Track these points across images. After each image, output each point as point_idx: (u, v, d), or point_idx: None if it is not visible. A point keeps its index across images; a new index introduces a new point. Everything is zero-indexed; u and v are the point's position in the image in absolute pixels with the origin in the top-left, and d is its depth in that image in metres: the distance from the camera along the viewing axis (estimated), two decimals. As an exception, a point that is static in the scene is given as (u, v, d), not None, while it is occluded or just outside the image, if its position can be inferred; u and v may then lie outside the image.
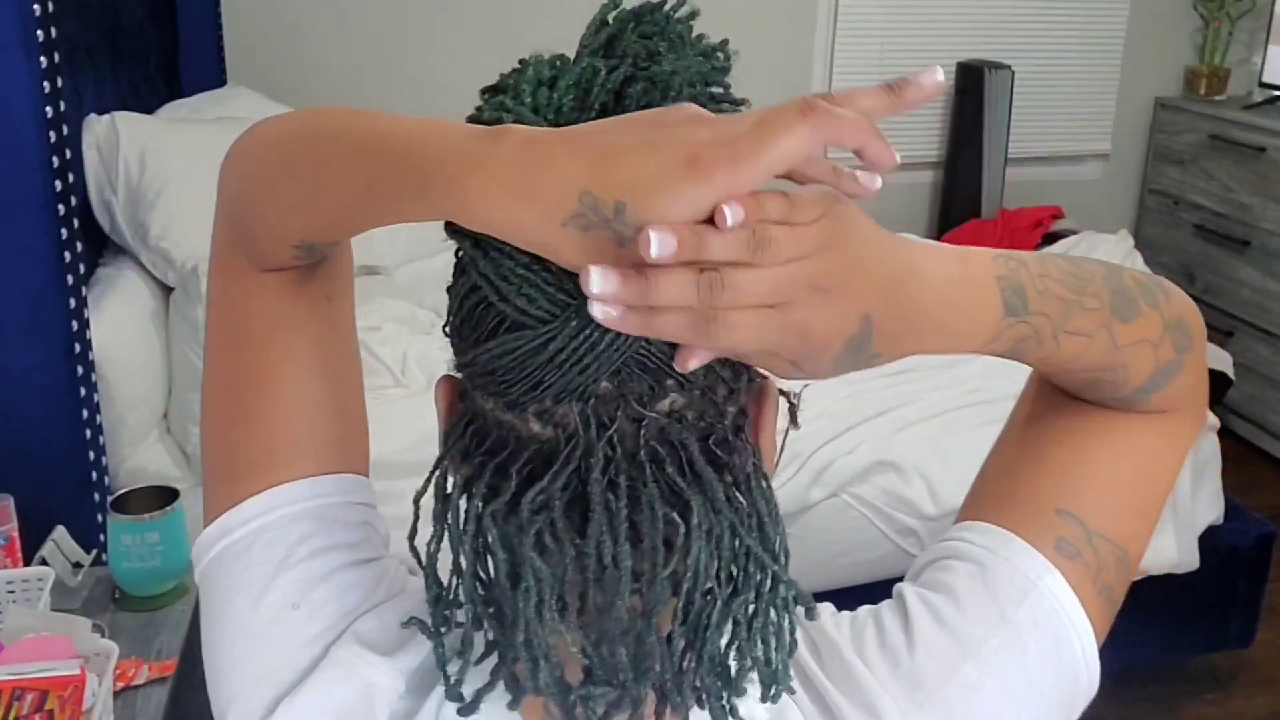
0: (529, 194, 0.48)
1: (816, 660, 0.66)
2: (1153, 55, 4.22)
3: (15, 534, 1.60)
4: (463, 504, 0.57)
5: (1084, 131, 4.23)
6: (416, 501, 0.60)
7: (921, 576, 0.69)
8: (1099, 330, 0.64)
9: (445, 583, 0.60)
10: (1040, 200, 4.06)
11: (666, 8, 0.58)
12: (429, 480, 0.59)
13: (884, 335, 0.53)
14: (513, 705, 0.59)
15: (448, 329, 0.59)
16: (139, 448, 2.08)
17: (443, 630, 0.61)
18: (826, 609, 0.69)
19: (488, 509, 0.55)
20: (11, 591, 1.51)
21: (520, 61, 0.57)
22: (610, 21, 0.58)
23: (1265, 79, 3.94)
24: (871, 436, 2.25)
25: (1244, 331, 3.75)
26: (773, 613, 0.58)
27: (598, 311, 0.48)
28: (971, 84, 3.90)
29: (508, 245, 0.51)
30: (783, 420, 0.63)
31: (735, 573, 0.56)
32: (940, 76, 0.53)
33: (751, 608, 0.57)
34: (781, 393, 0.62)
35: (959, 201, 3.99)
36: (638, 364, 0.54)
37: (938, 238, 3.81)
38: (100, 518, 1.75)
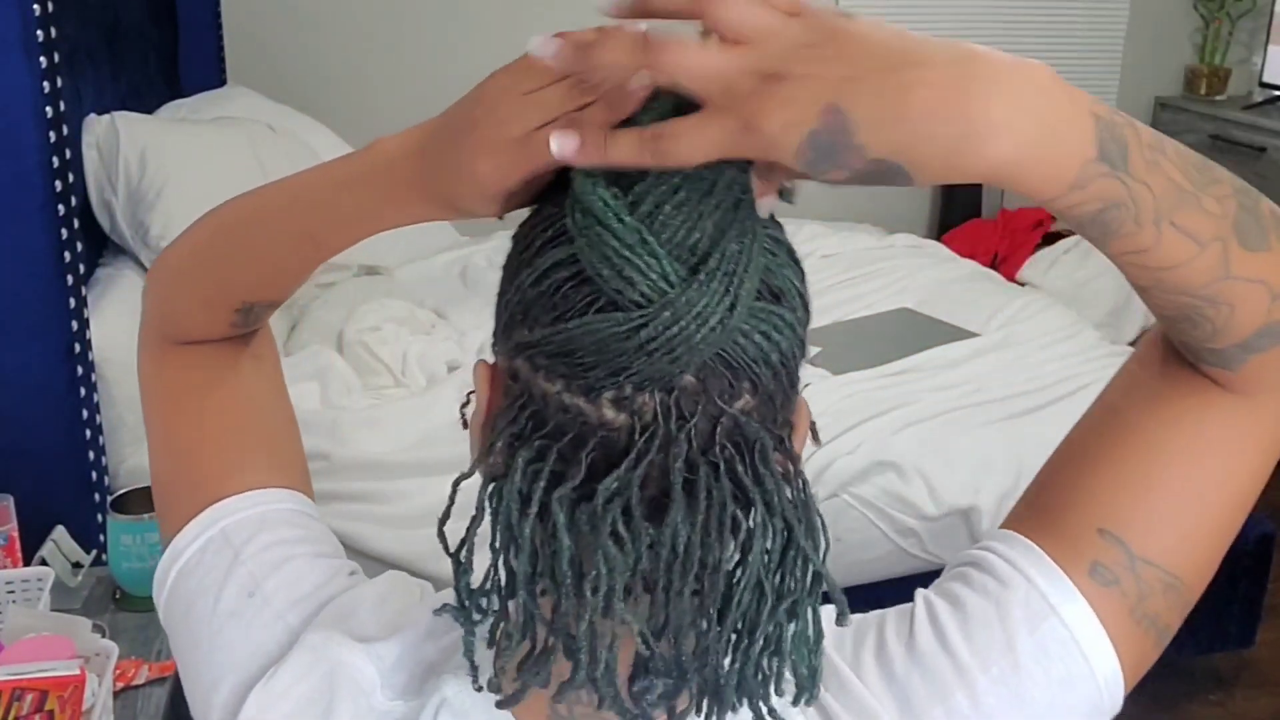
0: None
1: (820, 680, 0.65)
2: (1153, 55, 4.22)
3: (15, 534, 1.60)
4: (520, 487, 0.56)
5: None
6: (456, 485, 0.59)
7: (943, 584, 0.67)
8: (1212, 242, 0.54)
9: (478, 570, 0.59)
10: (1040, 200, 4.06)
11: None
12: (478, 462, 0.58)
13: (872, 126, 0.48)
14: (503, 705, 0.59)
15: (509, 304, 0.58)
16: (139, 448, 2.08)
17: (475, 618, 0.60)
18: (826, 610, 0.67)
19: (555, 493, 0.54)
20: (11, 591, 1.50)
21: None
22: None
23: (1265, 79, 3.94)
24: (871, 436, 2.25)
25: (1244, 331, 3.75)
26: (811, 615, 0.58)
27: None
28: (971, 84, 3.89)
29: (614, 221, 0.52)
30: (813, 442, 0.64)
31: (784, 574, 0.56)
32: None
33: (793, 610, 0.57)
34: None
35: (959, 201, 3.99)
36: (722, 360, 0.54)
37: (938, 238, 3.81)
38: (100, 518, 1.75)
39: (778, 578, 0.56)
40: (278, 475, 0.74)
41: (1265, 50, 3.98)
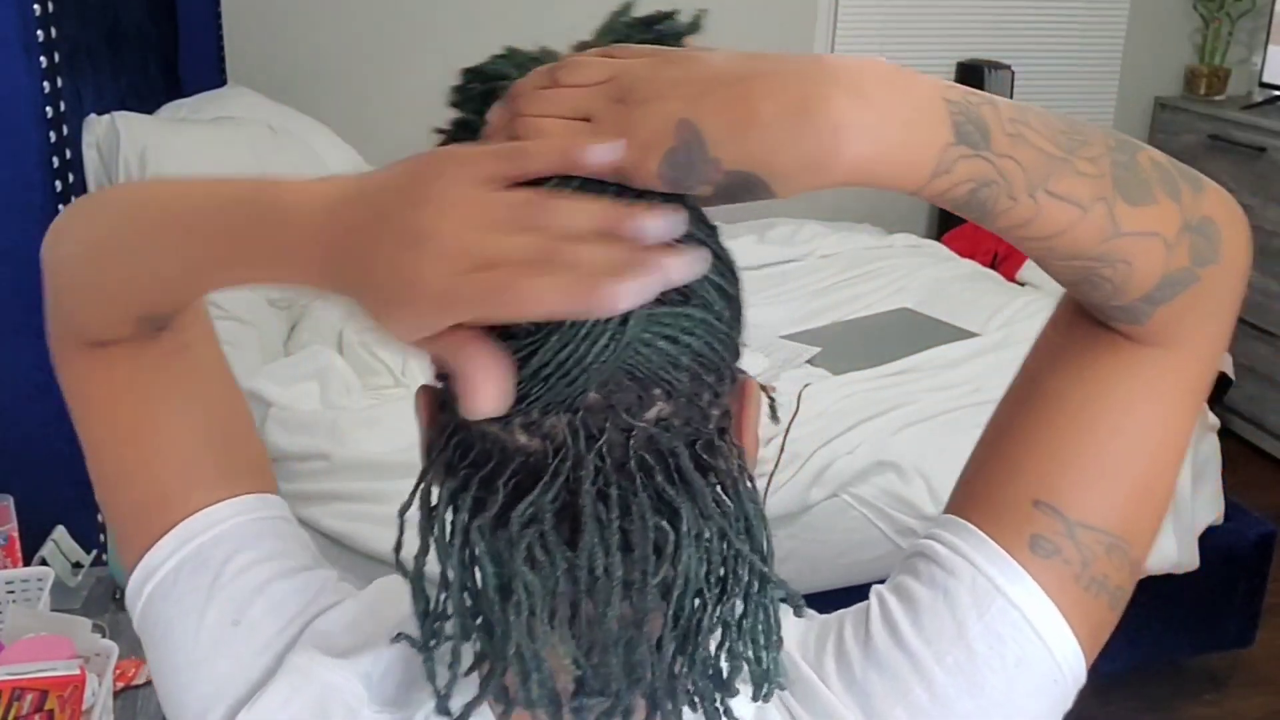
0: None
1: (786, 684, 0.64)
2: (1153, 55, 4.22)
3: (15, 534, 1.60)
4: (449, 516, 0.57)
5: (1084, 131, 4.23)
6: (402, 514, 0.59)
7: (894, 578, 0.66)
8: (1095, 203, 0.54)
9: (432, 596, 0.59)
10: (1040, 200, 4.06)
11: (672, 20, 0.57)
12: (414, 493, 0.58)
13: (724, 139, 0.49)
14: (502, 718, 0.59)
15: None
16: (139, 448, 2.08)
17: (431, 644, 0.60)
18: (793, 619, 0.66)
19: (474, 522, 0.54)
20: (11, 591, 1.51)
21: (508, 49, 0.58)
22: (615, 28, 0.58)
23: (1265, 79, 3.94)
24: (871, 436, 2.25)
25: (1244, 331, 3.75)
26: (761, 612, 0.58)
27: None
28: (971, 84, 3.87)
29: None
30: (771, 420, 0.63)
31: (725, 575, 0.56)
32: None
33: (741, 609, 0.57)
34: (761, 387, 0.61)
35: (959, 201, 3.99)
36: (626, 374, 0.53)
37: (938, 238, 3.81)
38: (100, 518, 1.75)
39: (716, 581, 0.56)
40: (240, 479, 0.70)
41: (1265, 50, 3.98)
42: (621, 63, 0.53)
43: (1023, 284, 3.44)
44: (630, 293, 0.47)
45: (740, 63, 0.51)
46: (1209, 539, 2.40)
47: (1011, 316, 2.84)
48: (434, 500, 0.58)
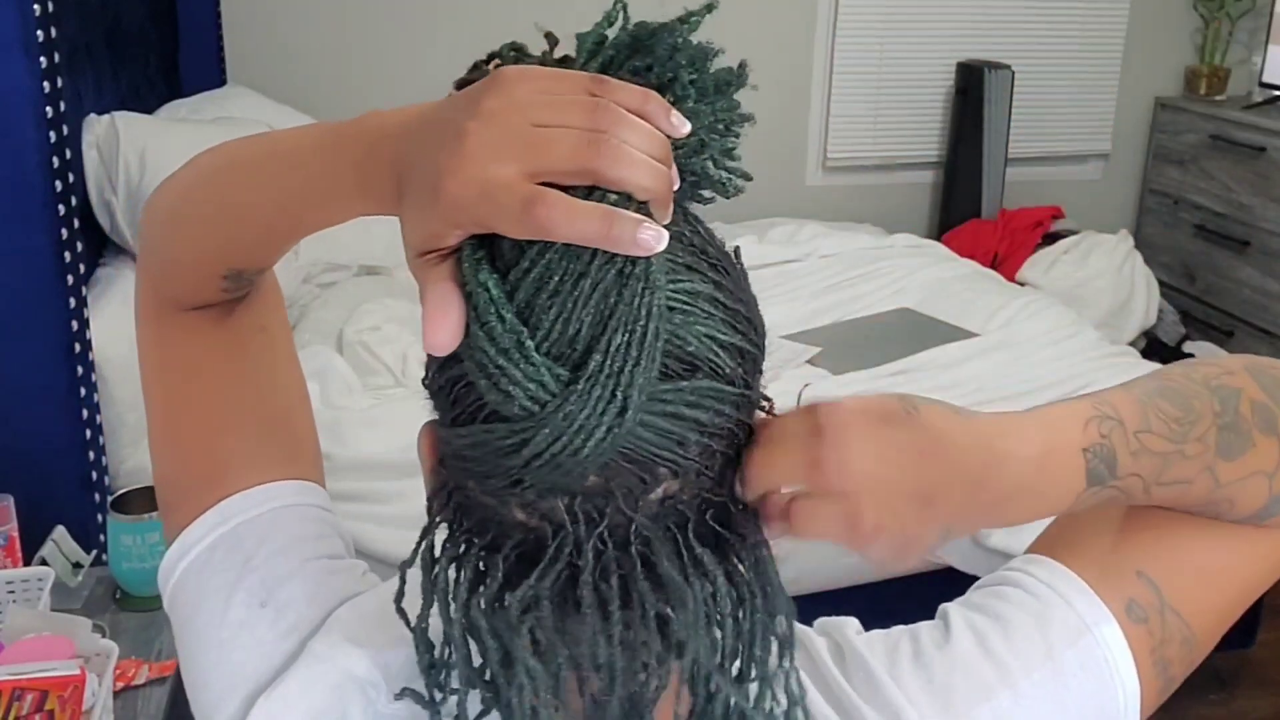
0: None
1: (840, 667, 0.65)
2: (1153, 55, 4.22)
3: (15, 534, 1.60)
4: (451, 575, 0.55)
5: (1084, 131, 4.23)
6: (403, 570, 0.57)
7: (973, 600, 0.68)
8: (1200, 475, 0.61)
9: (438, 650, 0.57)
10: (1040, 200, 4.06)
11: (667, 39, 0.52)
12: (416, 550, 0.56)
13: (956, 534, 0.55)
14: None
15: (427, 387, 0.56)
16: (139, 448, 2.08)
17: (440, 698, 0.58)
18: (851, 624, 0.68)
19: (473, 599, 0.53)
20: (11, 591, 1.50)
21: (511, 45, 0.55)
22: (604, 48, 0.53)
23: (1265, 79, 3.94)
24: (872, 436, 2.25)
25: (1244, 331, 3.75)
26: (783, 678, 0.57)
27: None
28: (971, 84, 3.90)
29: (494, 320, 0.48)
30: None
31: (742, 652, 0.55)
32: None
33: (757, 688, 0.56)
34: (767, 412, 0.59)
35: (959, 201, 3.99)
36: (624, 458, 0.50)
37: (938, 238, 3.81)
38: (100, 518, 1.75)
39: (733, 658, 0.55)
40: (290, 465, 0.71)
41: (1265, 50, 3.98)
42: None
43: (1023, 284, 3.45)
44: (663, 238, 0.47)
45: (975, 448, 0.55)
46: (1209, 539, 2.40)
47: (1011, 316, 2.84)
48: (436, 553, 0.56)
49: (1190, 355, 3.47)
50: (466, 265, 0.48)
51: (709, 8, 0.52)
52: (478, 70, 0.55)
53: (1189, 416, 0.61)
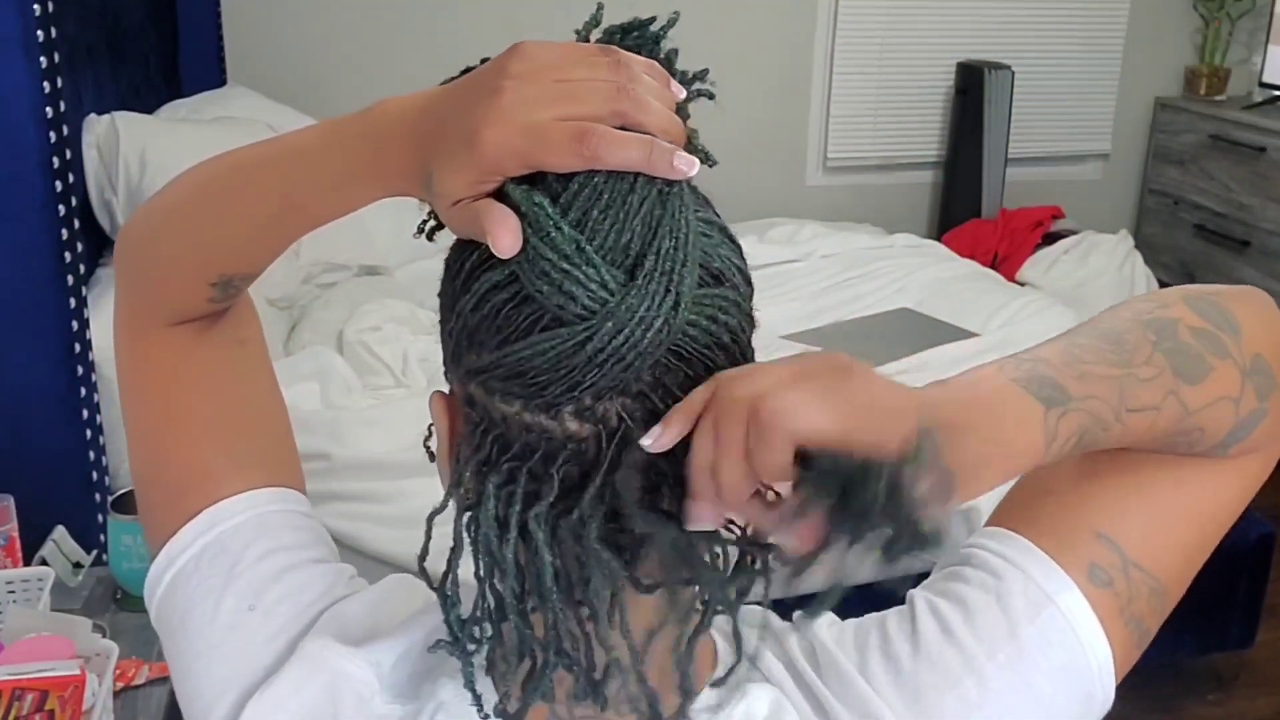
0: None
1: (814, 667, 0.65)
2: (1153, 55, 4.22)
3: (15, 534, 1.60)
4: (491, 510, 0.56)
5: (1084, 131, 4.23)
6: (431, 520, 0.59)
7: (936, 584, 0.68)
8: (1165, 399, 0.61)
9: (463, 601, 0.59)
10: (1040, 200, 4.06)
11: (653, 28, 0.57)
12: (448, 496, 0.58)
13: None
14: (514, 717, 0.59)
15: (453, 332, 0.57)
16: (139, 448, 2.08)
17: (470, 649, 0.59)
18: (824, 617, 0.68)
19: (531, 513, 0.54)
20: (11, 591, 1.50)
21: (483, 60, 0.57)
22: (600, 35, 0.58)
23: (1265, 79, 3.95)
24: (872, 436, 2.25)
25: (1244, 331, 3.75)
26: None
27: None
28: (971, 84, 3.90)
29: (553, 230, 0.51)
30: None
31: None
32: None
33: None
34: None
35: (959, 201, 4.00)
36: (675, 354, 0.54)
37: (938, 238, 3.81)
38: (100, 518, 1.75)
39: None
40: (272, 473, 0.72)
41: (1265, 50, 3.98)
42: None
43: (1023, 284, 3.45)
44: (694, 164, 0.52)
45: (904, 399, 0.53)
46: (1209, 539, 2.40)
47: (1011, 316, 2.84)
48: (471, 499, 0.57)
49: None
50: (518, 194, 0.52)
51: (671, 22, 0.58)
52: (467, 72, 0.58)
53: (1123, 344, 0.61)
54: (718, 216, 0.59)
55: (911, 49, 3.99)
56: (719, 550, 0.57)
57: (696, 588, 0.58)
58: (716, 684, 0.61)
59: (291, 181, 0.62)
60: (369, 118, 0.59)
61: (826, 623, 0.68)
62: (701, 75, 0.58)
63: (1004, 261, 3.75)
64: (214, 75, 3.33)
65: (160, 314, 0.72)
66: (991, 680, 0.62)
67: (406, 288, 2.93)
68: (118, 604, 1.60)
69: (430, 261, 3.11)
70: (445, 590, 0.58)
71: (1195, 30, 4.21)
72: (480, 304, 0.55)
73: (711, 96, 0.58)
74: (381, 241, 3.04)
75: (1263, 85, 3.97)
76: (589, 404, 0.53)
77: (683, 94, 0.55)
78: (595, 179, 0.52)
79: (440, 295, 0.59)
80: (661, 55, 0.57)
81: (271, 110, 3.05)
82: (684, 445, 0.53)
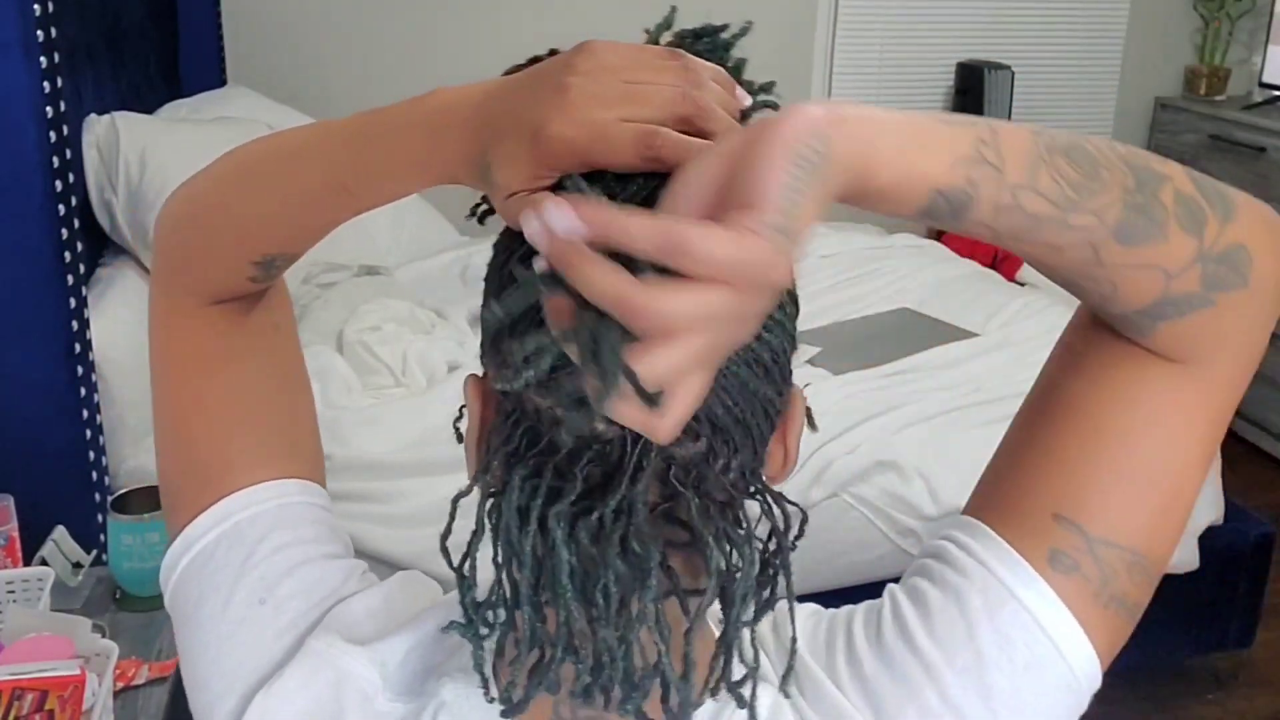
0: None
1: (794, 677, 0.64)
2: (1153, 55, 4.22)
3: (15, 534, 1.60)
4: (516, 501, 0.56)
5: (1084, 131, 4.14)
6: (456, 501, 0.59)
7: (908, 577, 0.66)
8: (1078, 247, 0.55)
9: (481, 584, 0.59)
10: (1040, 200, 4.06)
11: (725, 35, 0.59)
12: (474, 481, 0.58)
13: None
14: (508, 714, 0.59)
15: (495, 315, 0.57)
16: (139, 448, 2.08)
17: (483, 632, 0.60)
18: (803, 611, 0.67)
19: (552, 509, 0.54)
20: (11, 591, 1.50)
21: (551, 51, 0.58)
22: (668, 38, 0.59)
23: (1265, 79, 3.94)
24: (871, 436, 2.25)
25: (1244, 331, 3.75)
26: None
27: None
28: (971, 84, 3.90)
29: None
30: (810, 429, 0.65)
31: (780, 552, 0.60)
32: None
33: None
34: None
35: (959, 201, 3.99)
36: None
37: (938, 238, 3.80)
38: (100, 518, 1.75)
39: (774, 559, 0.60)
40: (292, 463, 0.72)
41: (1265, 50, 3.98)
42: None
43: (1023, 284, 3.44)
44: None
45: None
46: (1209, 539, 2.40)
47: (1011, 316, 2.84)
48: (497, 486, 0.57)
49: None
50: (574, 182, 0.52)
51: (744, 30, 0.60)
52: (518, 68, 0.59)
53: (1091, 185, 0.54)
54: None
55: (911, 49, 3.99)
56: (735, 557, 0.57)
57: (716, 598, 0.58)
58: (732, 686, 0.60)
59: (342, 167, 0.62)
60: (424, 106, 0.58)
61: (806, 614, 0.67)
62: (768, 87, 0.58)
63: (1004, 261, 3.75)
64: (214, 75, 3.33)
65: (201, 291, 0.71)
66: (951, 689, 0.60)
67: (406, 288, 2.93)
68: (118, 604, 1.60)
69: (430, 262, 3.13)
70: (463, 572, 0.59)
71: (1195, 30, 4.21)
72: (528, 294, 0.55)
73: (776, 107, 0.57)
74: (381, 241, 3.03)
75: (1263, 85, 3.96)
76: None
77: (748, 101, 0.55)
78: (655, 181, 0.52)
79: (485, 280, 0.59)
80: (730, 63, 0.57)
81: (271, 110, 3.05)
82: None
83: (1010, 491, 0.64)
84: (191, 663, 0.68)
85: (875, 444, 2.24)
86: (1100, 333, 0.63)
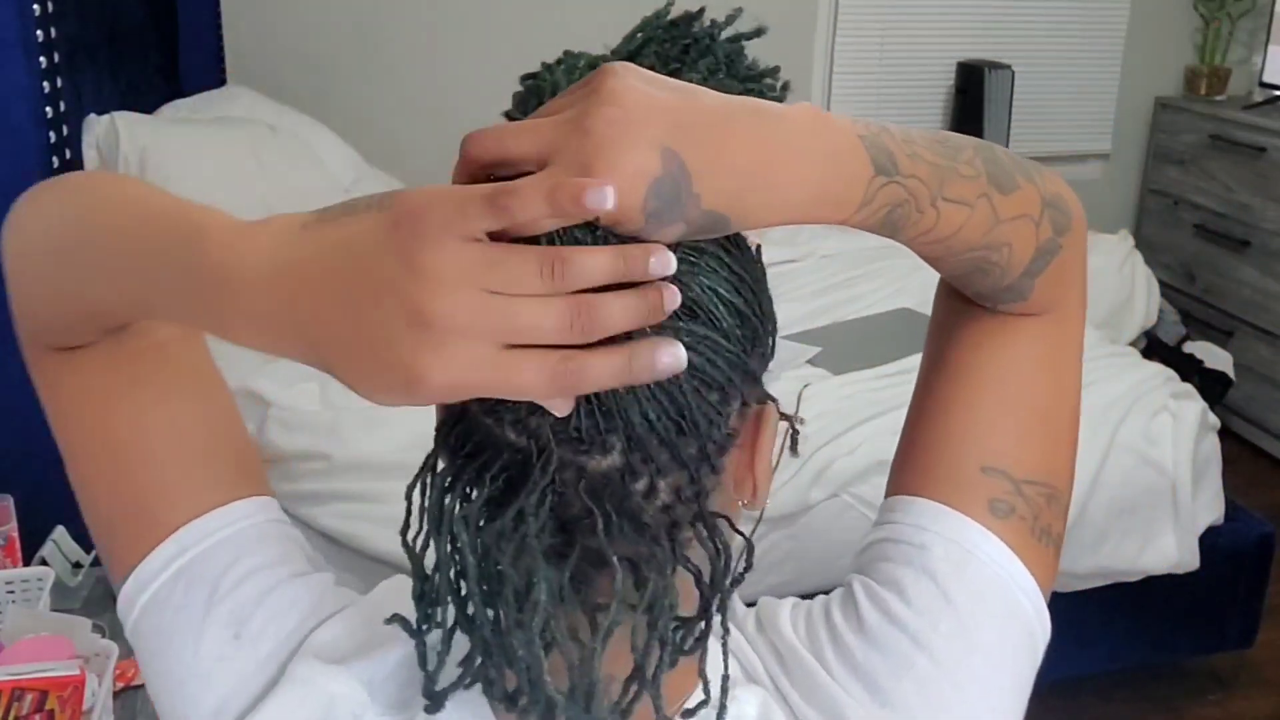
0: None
1: (785, 673, 0.65)
2: (1153, 55, 4.22)
3: (15, 534, 1.60)
4: (445, 500, 0.56)
5: (1084, 131, 4.23)
6: (408, 495, 0.59)
7: (866, 566, 0.67)
8: (979, 200, 0.60)
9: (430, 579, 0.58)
10: (1040, 200, 4.06)
11: (705, 24, 0.57)
12: (419, 475, 0.58)
13: (704, 176, 0.49)
14: (430, 708, 0.59)
15: None
16: (139, 448, 2.08)
17: (424, 628, 0.59)
18: (783, 613, 0.67)
19: (459, 512, 0.54)
20: (11, 591, 1.50)
21: (565, 53, 0.58)
22: (642, 31, 0.58)
23: (1265, 79, 3.94)
24: (871, 436, 2.25)
25: (1244, 331, 3.75)
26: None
27: None
28: (971, 84, 3.89)
29: None
30: (791, 454, 0.64)
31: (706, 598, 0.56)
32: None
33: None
34: (784, 416, 0.61)
35: (959, 201, 3.99)
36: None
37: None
38: (100, 518, 1.75)
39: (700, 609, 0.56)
40: (237, 482, 0.68)
41: (1265, 50, 3.98)
42: (580, 94, 0.50)
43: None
44: (681, 358, 0.49)
45: (709, 101, 0.51)
46: (1209, 539, 2.40)
47: (1012, 316, 2.83)
48: (434, 483, 0.57)
49: (1190, 356, 3.47)
50: None
51: (759, 31, 0.58)
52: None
53: (950, 142, 0.60)
54: (721, 245, 0.55)
55: (911, 49, 3.99)
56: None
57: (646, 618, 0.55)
58: (691, 712, 0.58)
59: (125, 285, 0.58)
60: (194, 262, 0.52)
61: (790, 606, 0.68)
62: (771, 72, 0.57)
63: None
64: (214, 75, 3.33)
65: (49, 341, 0.67)
66: (941, 652, 0.63)
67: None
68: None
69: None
70: (415, 566, 0.58)
71: (1195, 30, 4.21)
72: None
73: (781, 99, 0.56)
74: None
75: (1263, 85, 3.96)
76: (523, 416, 0.53)
77: (670, 267, 0.49)
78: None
79: None
80: (723, 52, 0.56)
81: (271, 110, 3.05)
82: None
83: (939, 458, 0.68)
84: (167, 695, 0.65)
85: (875, 444, 2.23)
86: (967, 308, 0.71)
